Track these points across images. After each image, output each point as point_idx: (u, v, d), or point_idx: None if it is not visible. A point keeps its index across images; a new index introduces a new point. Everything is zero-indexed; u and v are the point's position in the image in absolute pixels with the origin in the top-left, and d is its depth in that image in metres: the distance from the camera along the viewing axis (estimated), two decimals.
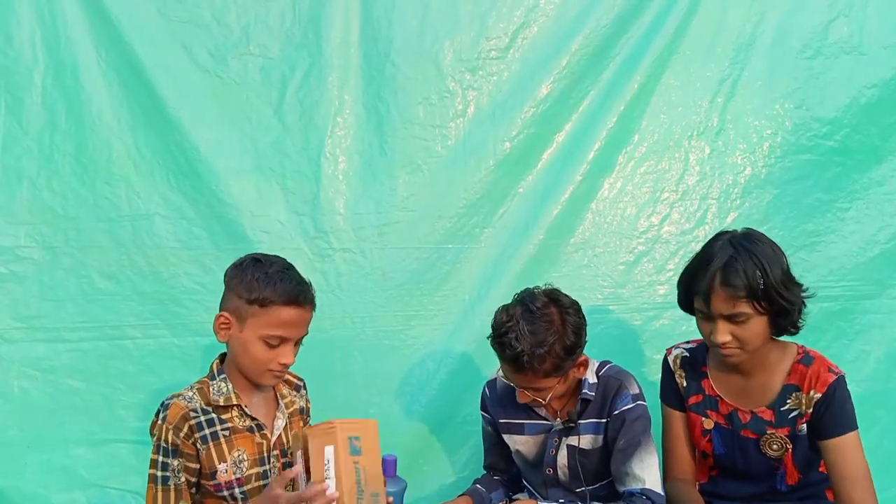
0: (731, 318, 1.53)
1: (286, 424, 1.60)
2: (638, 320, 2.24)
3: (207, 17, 2.10)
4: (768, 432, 1.63)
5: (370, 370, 2.16)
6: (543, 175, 2.26)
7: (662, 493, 1.61)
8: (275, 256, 1.58)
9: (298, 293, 1.49)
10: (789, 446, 1.62)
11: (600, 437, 1.68)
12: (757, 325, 1.53)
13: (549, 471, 1.74)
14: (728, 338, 1.55)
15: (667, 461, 1.80)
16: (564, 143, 2.26)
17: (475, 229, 2.24)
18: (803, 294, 1.56)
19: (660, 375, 1.85)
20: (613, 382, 1.69)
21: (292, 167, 2.16)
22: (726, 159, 2.28)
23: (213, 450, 1.48)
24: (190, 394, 1.50)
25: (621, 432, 1.64)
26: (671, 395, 1.79)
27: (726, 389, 1.69)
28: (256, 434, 1.54)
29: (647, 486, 1.59)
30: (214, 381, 1.51)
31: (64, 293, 2.05)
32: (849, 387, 1.60)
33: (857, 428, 1.58)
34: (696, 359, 1.75)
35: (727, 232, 1.61)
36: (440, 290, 2.21)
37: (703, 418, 1.71)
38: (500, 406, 1.79)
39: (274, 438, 1.57)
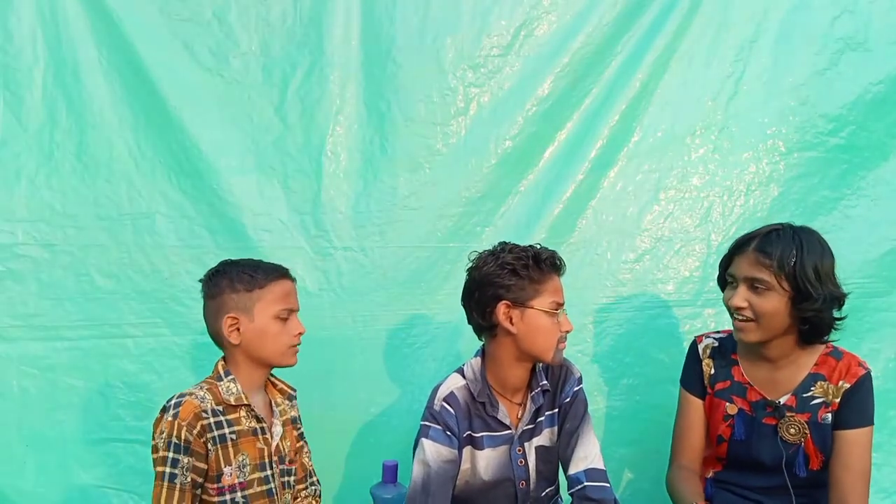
0: (753, 285, 1.56)
1: (282, 433, 1.60)
2: (640, 319, 2.22)
3: (208, 16, 2.09)
4: (787, 415, 1.64)
5: (371, 369, 2.15)
6: (545, 173, 2.25)
7: (603, 467, 1.63)
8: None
9: (282, 267, 1.61)
10: (807, 432, 1.63)
11: (556, 428, 1.70)
12: (775, 302, 1.54)
13: (522, 483, 1.65)
14: (744, 304, 1.57)
15: (677, 446, 1.81)
16: (566, 142, 2.25)
17: (477, 228, 2.22)
18: (837, 294, 1.56)
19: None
20: (559, 368, 1.70)
21: (293, 166, 2.15)
22: (730, 157, 2.27)
23: (220, 452, 1.48)
24: (201, 393, 1.49)
25: (570, 415, 1.67)
26: (694, 381, 1.80)
27: (756, 379, 1.71)
28: (259, 438, 1.54)
29: (590, 465, 1.62)
30: (222, 382, 1.52)
31: (63, 291, 2.03)
32: None
33: (873, 424, 1.60)
34: (726, 347, 1.78)
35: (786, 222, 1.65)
36: (442, 289, 2.19)
37: (727, 403, 1.72)
38: (466, 419, 1.65)
39: (273, 445, 1.57)
